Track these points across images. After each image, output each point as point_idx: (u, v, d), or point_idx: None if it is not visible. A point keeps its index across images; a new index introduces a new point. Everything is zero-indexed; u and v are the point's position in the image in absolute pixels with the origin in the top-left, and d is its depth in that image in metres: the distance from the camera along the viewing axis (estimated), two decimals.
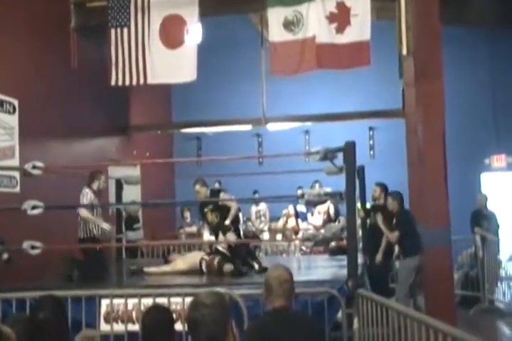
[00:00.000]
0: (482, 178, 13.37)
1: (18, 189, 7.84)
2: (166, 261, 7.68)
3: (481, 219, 9.71)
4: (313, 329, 3.68)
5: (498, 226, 9.90)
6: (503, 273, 9.45)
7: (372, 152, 13.65)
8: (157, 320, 3.22)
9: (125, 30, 8.83)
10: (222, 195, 7.95)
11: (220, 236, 7.40)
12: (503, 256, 9.92)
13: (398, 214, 7.75)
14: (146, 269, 7.40)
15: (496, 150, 13.34)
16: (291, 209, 12.40)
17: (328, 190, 7.99)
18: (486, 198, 10.06)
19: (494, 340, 7.31)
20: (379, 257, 8.47)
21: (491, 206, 10.14)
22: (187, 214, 12.29)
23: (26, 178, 6.98)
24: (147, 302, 4.95)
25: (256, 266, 7.13)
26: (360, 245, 8.54)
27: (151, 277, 7.22)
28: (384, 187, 8.97)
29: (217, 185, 13.33)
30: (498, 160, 13.39)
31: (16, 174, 7.73)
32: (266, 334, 3.46)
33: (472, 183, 12.51)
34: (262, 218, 13.03)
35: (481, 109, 13.26)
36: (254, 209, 13.10)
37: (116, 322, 5.30)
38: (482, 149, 13.16)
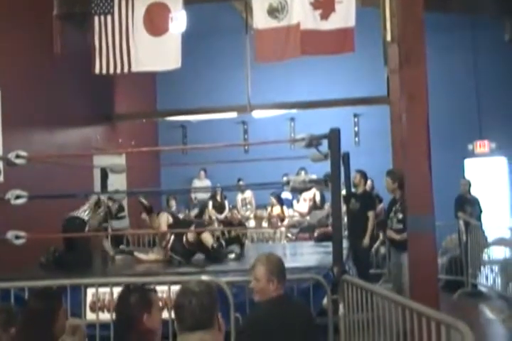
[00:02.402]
0: (465, 164, 13.47)
1: (1, 178, 7.78)
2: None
3: (465, 204, 9.80)
4: (310, 316, 3.71)
5: (481, 211, 9.99)
6: (486, 257, 9.55)
7: (357, 139, 13.69)
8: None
9: (109, 17, 8.76)
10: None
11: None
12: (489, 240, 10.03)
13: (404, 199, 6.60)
14: (136, 254, 7.41)
15: (479, 135, 13.43)
16: (273, 199, 12.36)
17: (314, 176, 8.00)
18: (470, 183, 10.14)
19: (477, 323, 7.41)
20: (366, 241, 8.52)
21: (474, 191, 10.22)
22: (172, 203, 12.30)
23: (10, 168, 6.93)
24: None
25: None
26: (346, 232, 8.58)
27: (138, 265, 7.24)
28: (364, 174, 9.02)
29: (202, 173, 13.37)
30: (482, 146, 13.49)
31: (0, 164, 7.67)
32: (275, 322, 3.39)
33: (456, 169, 12.59)
34: (248, 206, 13.06)
35: (465, 95, 13.33)
36: (240, 196, 13.13)
37: (102, 311, 5.31)
38: (465, 135, 13.25)
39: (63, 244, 7.21)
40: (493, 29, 12.30)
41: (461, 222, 9.59)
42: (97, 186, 9.09)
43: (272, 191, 11.90)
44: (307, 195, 11.61)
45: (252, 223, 12.69)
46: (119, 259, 7.74)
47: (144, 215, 7.73)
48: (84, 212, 7.26)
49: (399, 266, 7.24)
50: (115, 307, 3.14)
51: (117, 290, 5.25)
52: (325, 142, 6.28)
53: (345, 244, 6.99)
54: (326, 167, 6.34)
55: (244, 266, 6.20)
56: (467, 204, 9.79)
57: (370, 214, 8.66)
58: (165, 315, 5.01)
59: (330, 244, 6.33)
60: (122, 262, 7.68)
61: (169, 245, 7.08)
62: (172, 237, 7.11)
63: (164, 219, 7.34)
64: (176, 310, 2.70)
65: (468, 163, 13.53)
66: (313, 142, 6.41)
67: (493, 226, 10.20)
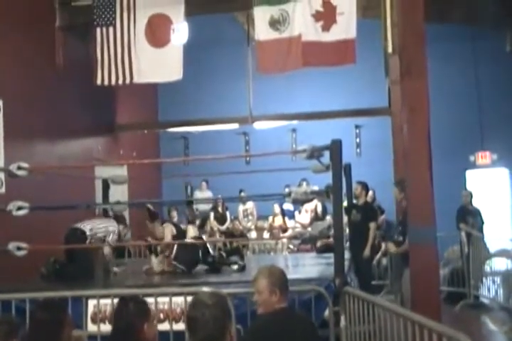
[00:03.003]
0: (467, 175, 13.46)
1: (3, 190, 7.78)
2: None
3: (467, 215, 9.78)
4: (313, 329, 3.69)
5: (483, 222, 9.97)
6: (487, 268, 9.52)
7: (358, 150, 13.70)
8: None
9: (110, 29, 8.80)
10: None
11: None
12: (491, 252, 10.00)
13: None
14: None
15: (481, 147, 13.44)
16: (276, 208, 12.41)
17: (316, 188, 8.00)
18: (471, 195, 10.13)
19: (479, 335, 7.37)
20: (367, 252, 8.50)
21: (475, 202, 10.21)
22: (174, 214, 12.27)
23: (11, 179, 6.93)
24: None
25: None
26: (347, 243, 8.57)
27: (139, 276, 7.22)
28: (365, 185, 9.01)
29: (204, 184, 13.36)
30: (483, 157, 13.50)
31: (1, 175, 7.67)
32: (277, 334, 3.36)
33: (457, 180, 12.59)
34: (250, 217, 13.05)
35: (466, 106, 13.35)
36: (241, 207, 13.11)
37: (104, 323, 5.29)
38: (467, 146, 13.26)
39: (64, 255, 7.20)
40: (494, 40, 12.35)
41: (463, 234, 9.56)
42: (99, 197, 9.08)
43: (275, 202, 11.91)
44: (309, 206, 11.60)
45: (253, 234, 12.68)
46: (121, 270, 7.72)
47: (148, 222, 7.75)
48: (89, 226, 7.24)
49: (400, 278, 7.23)
50: (114, 318, 3.13)
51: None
52: (326, 153, 6.28)
53: (346, 255, 6.98)
54: (327, 178, 6.33)
55: (246, 277, 6.18)
56: (469, 216, 9.77)
57: (371, 225, 8.66)
58: (166, 326, 5.03)
59: (331, 255, 6.31)
60: (124, 273, 7.66)
61: (172, 255, 7.09)
62: (175, 247, 7.14)
63: (169, 230, 7.37)
64: (189, 322, 2.69)
65: (469, 174, 13.52)
66: (314, 153, 6.41)
67: (494, 237, 10.17)
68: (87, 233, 7.08)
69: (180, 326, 4.79)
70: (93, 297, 5.38)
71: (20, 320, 4.08)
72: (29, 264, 6.76)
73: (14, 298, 5.24)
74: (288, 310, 3.57)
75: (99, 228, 7.23)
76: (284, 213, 12.50)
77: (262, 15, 8.68)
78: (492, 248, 9.68)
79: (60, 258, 7.17)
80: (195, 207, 13.43)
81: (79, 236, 7.08)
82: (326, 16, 8.42)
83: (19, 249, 6.38)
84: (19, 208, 6.44)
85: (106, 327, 5.21)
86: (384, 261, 10.29)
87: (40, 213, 7.05)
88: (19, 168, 6.55)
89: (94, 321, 5.33)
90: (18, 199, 6.52)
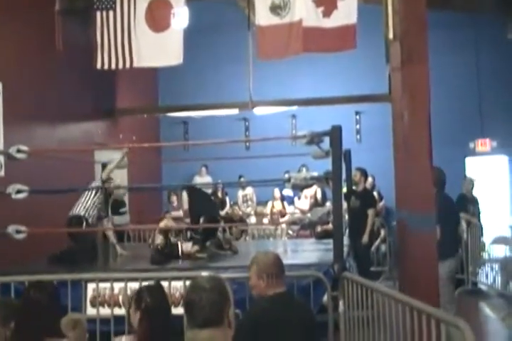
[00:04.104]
0: (467, 162, 13.47)
1: (2, 173, 7.77)
2: None
3: (467, 203, 9.76)
4: (310, 314, 3.71)
5: (479, 211, 9.97)
6: (486, 255, 9.55)
7: (358, 136, 13.69)
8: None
9: (111, 12, 8.73)
10: None
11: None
12: (486, 239, 10.02)
13: (436, 200, 6.20)
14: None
15: (481, 134, 13.42)
16: (276, 192, 12.46)
17: (315, 174, 8.01)
18: (473, 182, 10.09)
19: (477, 321, 7.42)
20: (365, 238, 8.53)
21: (476, 190, 10.20)
22: (173, 199, 12.30)
23: (11, 162, 6.94)
24: (133, 286, 4.96)
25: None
26: (346, 229, 8.60)
27: (141, 260, 7.25)
28: (364, 172, 9.02)
29: (203, 170, 13.38)
30: (483, 145, 13.48)
31: (1, 158, 7.66)
32: (274, 319, 3.38)
33: (457, 167, 12.58)
34: (249, 202, 13.07)
35: (466, 94, 13.31)
36: (240, 193, 13.14)
37: (103, 306, 5.32)
38: (467, 133, 13.24)
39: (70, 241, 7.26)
40: (495, 27, 12.29)
41: (463, 221, 9.57)
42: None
43: (274, 186, 11.93)
44: (308, 192, 11.61)
45: (253, 220, 12.71)
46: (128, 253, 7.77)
47: None
48: (83, 204, 7.29)
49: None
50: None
51: (118, 286, 5.29)
52: (326, 139, 6.29)
53: (345, 241, 7.00)
54: (327, 164, 6.35)
55: (245, 262, 6.20)
56: (469, 204, 9.75)
57: (370, 211, 8.68)
58: None
59: (330, 241, 6.34)
60: (127, 256, 7.69)
61: None
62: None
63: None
64: (187, 306, 2.70)
65: (469, 161, 13.52)
66: (314, 139, 6.43)
67: (493, 224, 10.19)
68: (82, 214, 7.14)
69: (179, 310, 4.80)
70: (92, 280, 5.41)
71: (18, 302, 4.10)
72: (28, 247, 6.78)
73: (13, 280, 5.27)
74: (285, 295, 3.58)
75: (87, 204, 7.28)
76: (283, 198, 12.52)
77: (262, 0, 8.63)
78: (491, 235, 9.70)
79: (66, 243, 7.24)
80: None
81: (76, 222, 7.13)
82: (327, 2, 8.35)
83: (18, 232, 6.40)
84: (18, 191, 6.46)
85: (105, 311, 5.25)
86: (383, 247, 10.33)
87: (39, 196, 7.05)
88: (18, 150, 6.57)
89: (93, 305, 5.36)
90: (17, 183, 6.53)
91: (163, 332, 3.15)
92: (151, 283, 3.57)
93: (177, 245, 7.11)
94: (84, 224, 7.14)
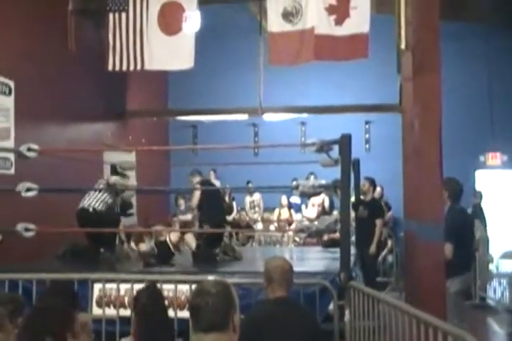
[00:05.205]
0: (477, 175, 13.40)
1: (12, 170, 7.80)
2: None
3: (476, 216, 9.71)
4: (311, 320, 3.72)
5: (486, 223, 9.93)
6: (494, 269, 9.49)
7: (367, 145, 13.66)
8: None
9: (123, 15, 8.76)
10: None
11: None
12: (494, 253, 9.97)
13: (450, 212, 6.01)
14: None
15: (491, 147, 13.36)
16: (284, 200, 12.43)
17: (323, 182, 8.00)
18: (481, 196, 10.06)
19: (484, 336, 7.37)
20: (373, 248, 8.50)
21: (485, 203, 10.15)
22: (181, 202, 12.27)
23: (21, 160, 6.96)
24: (139, 287, 4.96)
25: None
26: (353, 238, 8.57)
27: None
28: (372, 182, 8.99)
29: (212, 174, 13.37)
30: (493, 158, 13.42)
31: (11, 156, 7.69)
32: (267, 322, 3.46)
33: (467, 180, 12.52)
34: (256, 208, 13.05)
35: (477, 106, 13.26)
36: (248, 199, 13.11)
37: (109, 307, 5.31)
38: (477, 146, 13.17)
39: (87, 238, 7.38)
40: (507, 38, 12.26)
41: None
42: None
43: (282, 193, 11.92)
44: (316, 200, 11.59)
45: (259, 226, 12.68)
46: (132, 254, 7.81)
47: None
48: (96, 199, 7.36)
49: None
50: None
51: (124, 287, 5.29)
52: (336, 147, 6.27)
53: (352, 250, 6.98)
54: (335, 172, 6.32)
55: (252, 267, 6.19)
56: (478, 217, 9.70)
57: (378, 221, 8.65)
58: (170, 313, 5.04)
59: (337, 250, 6.31)
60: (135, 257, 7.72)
61: None
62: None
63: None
64: (192, 310, 2.69)
65: (479, 174, 13.45)
66: (324, 147, 6.40)
67: (502, 238, 10.13)
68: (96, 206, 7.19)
69: (184, 313, 4.81)
70: (98, 281, 5.41)
71: (26, 299, 4.11)
72: (37, 245, 6.81)
73: (21, 278, 5.28)
74: (285, 300, 3.64)
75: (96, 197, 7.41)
76: (290, 206, 12.49)
77: (275, 6, 8.63)
78: (500, 249, 9.63)
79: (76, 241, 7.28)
80: None
81: (89, 216, 7.22)
82: (340, 10, 8.35)
83: (27, 230, 6.42)
84: (28, 189, 6.47)
85: (111, 312, 5.24)
86: (390, 258, 10.29)
87: (49, 195, 7.07)
88: (29, 149, 6.59)
89: (99, 305, 5.36)
90: (27, 181, 6.55)
91: (158, 333, 3.15)
92: (148, 285, 3.58)
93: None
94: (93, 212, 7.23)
